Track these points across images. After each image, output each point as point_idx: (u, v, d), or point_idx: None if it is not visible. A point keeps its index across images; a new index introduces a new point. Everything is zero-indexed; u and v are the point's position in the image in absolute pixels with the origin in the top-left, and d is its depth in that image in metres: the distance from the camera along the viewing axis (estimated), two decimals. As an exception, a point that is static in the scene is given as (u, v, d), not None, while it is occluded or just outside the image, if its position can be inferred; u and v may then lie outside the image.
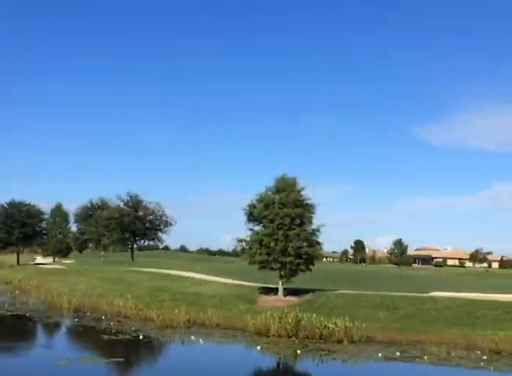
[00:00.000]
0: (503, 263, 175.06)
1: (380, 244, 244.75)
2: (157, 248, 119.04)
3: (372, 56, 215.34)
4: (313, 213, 31.95)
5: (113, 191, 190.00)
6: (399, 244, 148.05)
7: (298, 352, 21.75)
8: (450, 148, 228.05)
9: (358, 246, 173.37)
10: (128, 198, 73.42)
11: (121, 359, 20.25)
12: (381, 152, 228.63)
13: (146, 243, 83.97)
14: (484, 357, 21.53)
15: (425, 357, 21.20)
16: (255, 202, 31.87)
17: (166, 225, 75.61)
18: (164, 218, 75.29)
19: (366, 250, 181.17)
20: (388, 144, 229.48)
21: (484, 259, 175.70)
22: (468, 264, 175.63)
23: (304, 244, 31.29)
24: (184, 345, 23.85)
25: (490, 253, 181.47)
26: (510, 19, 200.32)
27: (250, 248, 31.75)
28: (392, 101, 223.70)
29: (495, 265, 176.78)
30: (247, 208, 32.02)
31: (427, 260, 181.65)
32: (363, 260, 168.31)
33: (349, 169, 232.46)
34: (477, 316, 27.14)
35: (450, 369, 19.96)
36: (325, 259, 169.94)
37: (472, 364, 20.58)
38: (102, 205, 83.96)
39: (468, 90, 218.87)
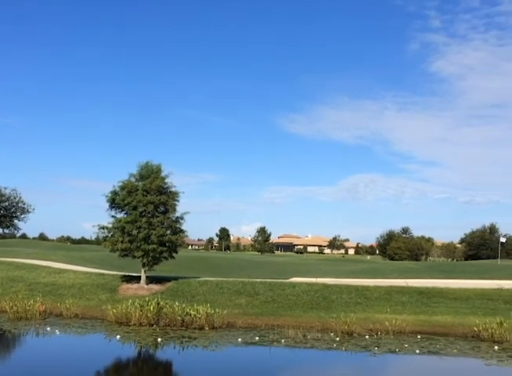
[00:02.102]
0: (359, 249, 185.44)
1: (245, 231, 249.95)
2: (14, 237, 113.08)
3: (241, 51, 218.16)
4: (177, 200, 31.79)
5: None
6: (263, 232, 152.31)
7: (159, 340, 21.60)
8: (312, 139, 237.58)
9: (224, 234, 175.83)
10: (-19, 185, 68.77)
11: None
12: (246, 142, 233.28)
13: (1, 231, 79.29)
14: (337, 339, 22.70)
15: (282, 340, 21.96)
16: (118, 189, 31.10)
17: (23, 213, 71.83)
18: (20, 205, 71.38)
19: (231, 237, 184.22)
20: (253, 134, 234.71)
21: (341, 246, 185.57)
22: (327, 250, 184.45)
23: (168, 231, 31.08)
24: (39, 336, 22.75)
25: (347, 240, 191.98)
26: (366, 22, 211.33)
27: (112, 236, 30.98)
28: (257, 93, 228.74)
29: (351, 251, 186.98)
30: (109, 195, 31.15)
31: (289, 247, 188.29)
32: (228, 247, 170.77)
33: (215, 158, 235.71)
34: (332, 299, 28.58)
35: (305, 351, 20.77)
36: (190, 247, 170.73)
37: (326, 346, 21.58)
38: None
39: (330, 85, 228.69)
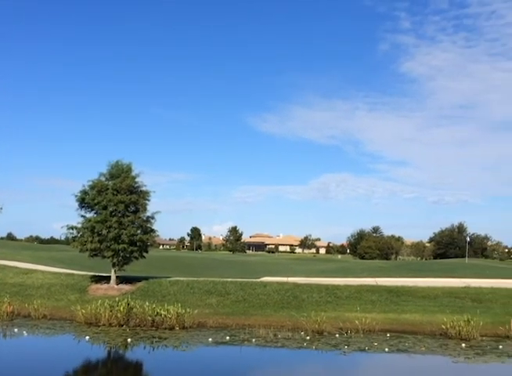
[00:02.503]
0: (330, 249, 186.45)
1: (216, 231, 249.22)
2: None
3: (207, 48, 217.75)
4: (148, 200, 31.61)
5: None
6: (234, 232, 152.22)
7: (129, 340, 21.45)
8: (284, 139, 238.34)
9: (195, 233, 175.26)
10: None
11: None
12: (218, 141, 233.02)
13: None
14: (308, 337, 22.84)
15: (253, 340, 21.99)
16: (87, 188, 30.75)
17: (-10, 212, 70.59)
18: (-13, 204, 70.21)
19: (203, 237, 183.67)
20: (225, 133, 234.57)
21: (312, 245, 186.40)
22: (298, 250, 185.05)
23: (139, 231, 30.88)
24: (6, 338, 22.40)
25: (318, 239, 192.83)
26: (337, 22, 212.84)
27: (81, 236, 30.62)
28: (230, 92, 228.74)
29: (322, 250, 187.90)
30: (79, 194, 30.77)
31: (260, 246, 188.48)
32: (199, 247, 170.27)
33: (186, 157, 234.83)
34: (303, 299, 28.73)
35: (276, 350, 20.83)
36: (161, 247, 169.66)
37: (296, 344, 21.68)
38: None
39: (302, 85, 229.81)
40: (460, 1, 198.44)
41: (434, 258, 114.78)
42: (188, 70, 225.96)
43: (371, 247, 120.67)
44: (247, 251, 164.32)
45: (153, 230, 31.95)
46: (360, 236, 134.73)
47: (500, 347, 22.07)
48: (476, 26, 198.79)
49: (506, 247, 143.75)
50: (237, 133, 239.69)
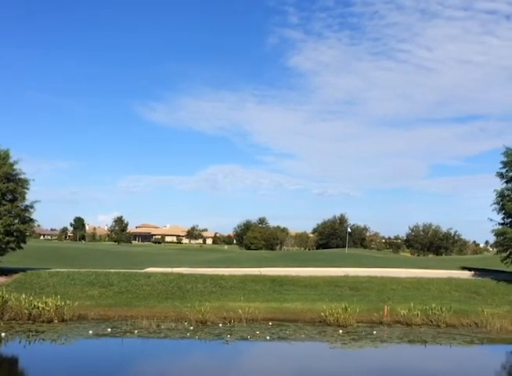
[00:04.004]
0: (217, 239, 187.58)
1: (101, 221, 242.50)
2: None
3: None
4: (27, 188, 30.31)
5: None
6: (120, 222, 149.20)
7: (3, 334, 20.42)
8: (172, 129, 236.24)
9: (79, 223, 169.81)
10: None
11: None
12: (104, 129, 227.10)
13: None
14: (191, 327, 22.86)
15: (135, 331, 21.69)
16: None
17: None
18: None
19: (87, 227, 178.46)
20: (111, 121, 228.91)
21: (199, 236, 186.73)
22: (185, 240, 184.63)
23: (16, 220, 29.53)
24: None
25: (205, 230, 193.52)
26: (226, 13, 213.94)
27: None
28: (117, 79, 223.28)
29: (209, 241, 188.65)
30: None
31: (147, 237, 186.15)
32: (83, 237, 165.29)
33: (70, 145, 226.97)
34: (188, 289, 28.71)
35: (158, 341, 20.66)
36: (42, 237, 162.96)
37: (179, 335, 21.63)
38: None
39: (191, 75, 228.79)
40: (345, 0, 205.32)
41: (317, 248, 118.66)
42: (73, 57, 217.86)
43: (257, 238, 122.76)
44: (133, 242, 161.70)
45: (32, 220, 30.67)
46: (246, 227, 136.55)
47: (374, 332, 23.27)
48: (360, 25, 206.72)
49: (384, 237, 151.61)
50: (124, 122, 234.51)
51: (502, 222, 34.31)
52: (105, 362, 18.55)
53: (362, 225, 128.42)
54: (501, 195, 33.87)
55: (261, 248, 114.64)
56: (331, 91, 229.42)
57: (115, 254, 58.76)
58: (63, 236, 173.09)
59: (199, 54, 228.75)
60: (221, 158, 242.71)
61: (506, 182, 34.22)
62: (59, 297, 24.41)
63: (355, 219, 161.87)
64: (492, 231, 34.09)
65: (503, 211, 33.85)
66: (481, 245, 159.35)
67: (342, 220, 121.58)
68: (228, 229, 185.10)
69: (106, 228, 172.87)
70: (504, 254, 34.41)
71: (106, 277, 29.79)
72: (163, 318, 24.46)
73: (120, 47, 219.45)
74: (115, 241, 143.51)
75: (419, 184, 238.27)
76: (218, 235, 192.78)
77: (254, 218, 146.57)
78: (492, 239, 44.16)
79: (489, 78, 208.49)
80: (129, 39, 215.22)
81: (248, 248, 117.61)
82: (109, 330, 21.80)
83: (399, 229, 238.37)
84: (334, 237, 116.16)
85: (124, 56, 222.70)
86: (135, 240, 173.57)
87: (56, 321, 23.29)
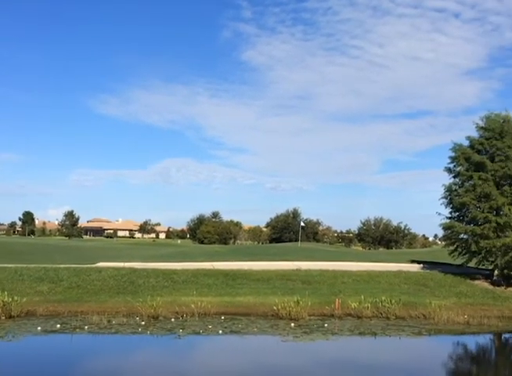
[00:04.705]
0: (170, 234, 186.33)
1: (52, 215, 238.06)
2: None
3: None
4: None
5: None
6: (71, 216, 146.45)
7: None
8: (124, 122, 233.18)
9: (28, 218, 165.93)
10: None
11: None
12: (53, 121, 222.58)
13: None
14: (143, 323, 22.63)
15: (86, 327, 21.33)
16: None
17: None
18: None
19: (36, 222, 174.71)
20: (61, 114, 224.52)
21: (152, 230, 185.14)
22: (138, 235, 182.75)
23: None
24: None
25: (158, 224, 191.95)
26: (179, 5, 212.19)
27: None
28: (67, 71, 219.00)
29: (162, 235, 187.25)
30: None
31: (98, 232, 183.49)
32: (33, 232, 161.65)
33: (18, 137, 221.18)
34: (140, 284, 28.46)
35: (109, 336, 20.42)
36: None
37: (131, 330, 21.40)
38: None
39: (142, 67, 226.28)
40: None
41: (270, 242, 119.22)
42: (22, 48, 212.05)
43: (210, 232, 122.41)
44: (84, 237, 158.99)
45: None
46: (200, 221, 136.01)
47: (325, 325, 23.58)
48: (313, 20, 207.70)
49: (336, 231, 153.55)
50: (75, 115, 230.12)
51: (449, 216, 35.16)
52: (54, 359, 18.22)
53: (315, 220, 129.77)
54: (449, 189, 34.69)
55: (214, 242, 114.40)
56: (285, 86, 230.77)
57: (65, 249, 57.62)
58: (12, 231, 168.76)
59: (151, 47, 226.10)
60: (175, 152, 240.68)
61: (454, 177, 35.07)
62: (6, 293, 23.78)
63: (307, 213, 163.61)
64: (440, 225, 34.89)
65: (451, 206, 34.68)
66: (430, 239, 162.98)
67: (295, 214, 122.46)
68: (181, 223, 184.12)
69: (56, 222, 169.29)
70: (451, 248, 35.29)
71: (56, 272, 29.24)
72: (114, 313, 24.15)
73: (69, 39, 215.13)
74: (66, 236, 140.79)
75: (371, 179, 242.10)
76: (171, 229, 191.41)
77: (207, 212, 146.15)
78: (440, 232, 45.00)
79: (438, 75, 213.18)
80: (78, 31, 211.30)
81: (201, 243, 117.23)
82: (58, 326, 21.40)
83: (351, 224, 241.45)
84: (287, 231, 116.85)
85: (73, 48, 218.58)
86: (86, 234, 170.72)
87: (4, 318, 22.68)
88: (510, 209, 32.01)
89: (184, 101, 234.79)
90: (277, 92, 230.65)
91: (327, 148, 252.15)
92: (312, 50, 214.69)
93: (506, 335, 24.80)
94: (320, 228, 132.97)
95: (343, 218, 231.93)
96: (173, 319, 23.53)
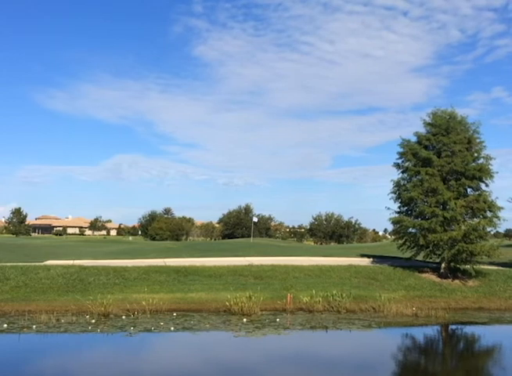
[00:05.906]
0: (121, 230, 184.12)
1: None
2: None
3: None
4: None
5: None
6: (18, 213, 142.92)
7: None
8: (73, 117, 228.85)
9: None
10: None
11: None
12: (0, 117, 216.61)
13: None
14: (93, 321, 22.30)
15: (34, 326, 20.89)
16: None
17: None
18: None
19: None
20: (7, 109, 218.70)
21: (103, 227, 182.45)
22: (88, 232, 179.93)
23: None
24: None
25: (109, 221, 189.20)
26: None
27: None
28: (13, 65, 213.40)
29: (113, 232, 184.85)
30: None
31: (47, 229, 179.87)
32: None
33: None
34: (90, 281, 28.00)
35: (57, 335, 19.99)
36: None
37: (80, 329, 21.03)
38: None
39: (92, 62, 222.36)
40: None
41: (223, 238, 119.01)
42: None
43: (162, 229, 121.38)
44: (33, 234, 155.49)
45: None
46: (152, 218, 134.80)
47: (277, 320, 23.72)
48: (264, 16, 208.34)
49: (288, 227, 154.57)
50: (22, 109, 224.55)
51: (398, 210, 35.78)
52: (0, 359, 17.74)
53: (267, 215, 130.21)
54: (397, 185, 35.31)
55: (166, 239, 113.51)
56: (236, 81, 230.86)
57: (12, 247, 56.16)
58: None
59: (100, 41, 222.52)
60: (125, 148, 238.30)
61: (402, 172, 35.70)
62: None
63: (260, 209, 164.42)
64: (389, 219, 35.46)
65: (400, 200, 35.30)
66: (380, 233, 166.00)
67: (247, 210, 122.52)
68: (133, 220, 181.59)
69: (2, 220, 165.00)
70: (400, 242, 35.93)
71: (2, 271, 28.48)
72: (63, 312, 23.73)
73: (15, 31, 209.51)
74: (13, 234, 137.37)
75: (322, 174, 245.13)
76: (122, 226, 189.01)
77: (159, 208, 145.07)
78: (390, 227, 45.73)
79: (388, 72, 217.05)
80: (25, 23, 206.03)
81: (153, 239, 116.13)
82: (5, 325, 20.89)
83: (303, 219, 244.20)
84: (240, 227, 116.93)
85: (19, 41, 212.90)
86: (34, 232, 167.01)
87: None
88: (456, 203, 32.80)
89: (135, 96, 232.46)
90: (229, 87, 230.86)
91: (279, 143, 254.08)
92: (264, 46, 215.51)
93: (453, 326, 25.44)
94: (272, 223, 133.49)
95: (295, 213, 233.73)
96: (124, 317, 23.27)
